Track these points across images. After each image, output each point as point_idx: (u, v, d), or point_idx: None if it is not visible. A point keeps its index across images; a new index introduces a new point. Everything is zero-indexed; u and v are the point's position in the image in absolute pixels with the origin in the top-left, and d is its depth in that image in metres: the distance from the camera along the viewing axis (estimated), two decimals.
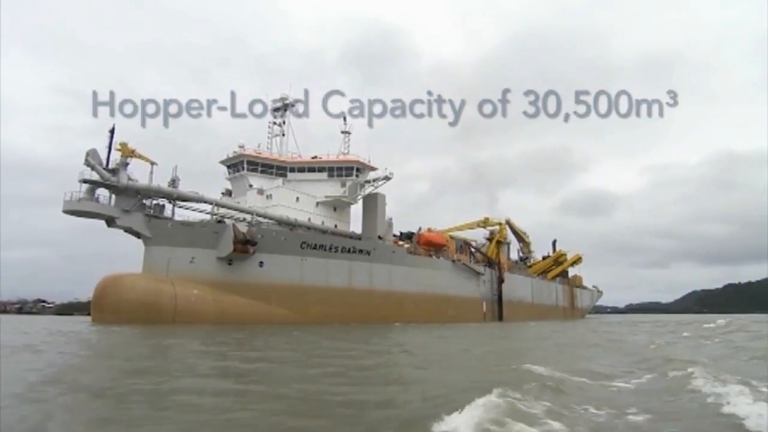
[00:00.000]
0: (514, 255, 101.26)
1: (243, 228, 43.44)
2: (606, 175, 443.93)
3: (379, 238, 53.92)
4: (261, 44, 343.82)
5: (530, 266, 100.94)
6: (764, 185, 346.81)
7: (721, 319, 49.95)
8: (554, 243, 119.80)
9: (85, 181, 39.01)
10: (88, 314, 41.61)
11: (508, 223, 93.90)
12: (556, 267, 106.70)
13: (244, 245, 42.29)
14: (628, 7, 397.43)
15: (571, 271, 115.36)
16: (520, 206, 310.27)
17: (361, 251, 50.50)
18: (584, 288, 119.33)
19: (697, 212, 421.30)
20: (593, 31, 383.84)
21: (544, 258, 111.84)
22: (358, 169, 54.59)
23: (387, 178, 55.08)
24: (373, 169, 56.28)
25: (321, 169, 54.33)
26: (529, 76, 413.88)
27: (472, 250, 76.16)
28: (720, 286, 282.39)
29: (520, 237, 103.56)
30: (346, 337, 23.37)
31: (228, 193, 54.83)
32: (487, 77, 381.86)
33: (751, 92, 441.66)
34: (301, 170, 54.16)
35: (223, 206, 45.90)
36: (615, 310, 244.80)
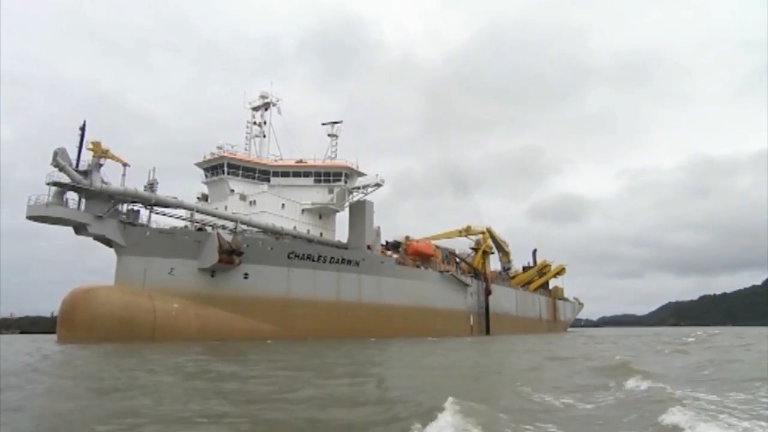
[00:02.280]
0: (493, 265, 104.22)
1: (227, 236, 43.41)
2: (580, 179, 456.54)
3: (368, 248, 54.81)
4: (209, 28, 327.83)
5: (513, 277, 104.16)
6: (739, 192, 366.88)
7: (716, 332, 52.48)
8: (534, 252, 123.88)
9: (54, 184, 38.05)
10: (22, 332, 39.99)
11: (489, 231, 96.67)
12: (539, 278, 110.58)
13: (230, 255, 42.25)
14: (607, 5, 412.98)
15: (552, 282, 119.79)
16: (489, 211, 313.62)
17: (349, 262, 51.24)
18: (566, 300, 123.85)
19: (672, 219, 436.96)
20: (570, 28, 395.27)
21: (525, 268, 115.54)
22: (346, 175, 55.44)
23: (378, 185, 56.14)
24: (361, 174, 57.24)
25: (307, 174, 54.84)
26: (502, 73, 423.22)
27: (457, 260, 78.14)
28: (695, 297, 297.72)
29: (500, 246, 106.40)
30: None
31: (204, 197, 54.45)
32: (458, 73, 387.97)
33: (729, 97, 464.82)
34: (286, 175, 54.48)
35: (205, 213, 45.64)
36: (588, 323, 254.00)
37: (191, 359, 21.87)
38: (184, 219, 46.49)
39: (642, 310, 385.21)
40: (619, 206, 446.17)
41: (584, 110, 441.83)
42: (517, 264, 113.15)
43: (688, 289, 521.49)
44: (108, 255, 42.60)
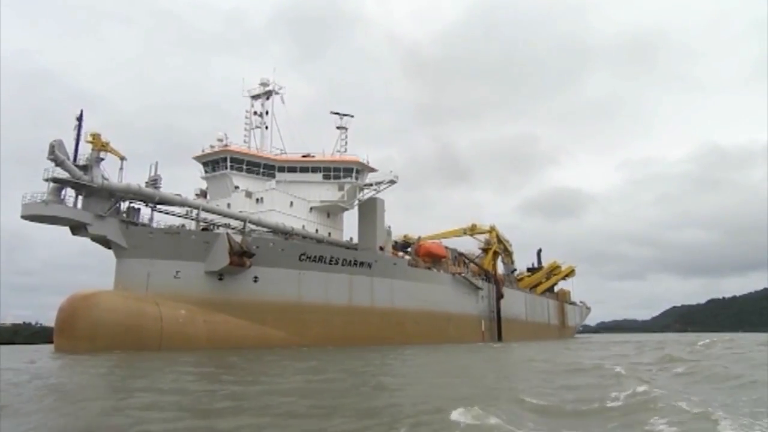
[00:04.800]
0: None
1: (236, 237, 43.86)
2: (577, 170, 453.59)
3: (381, 249, 55.72)
4: None
5: (520, 279, 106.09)
6: (752, 186, 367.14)
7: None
8: (539, 253, 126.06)
9: (54, 180, 38.06)
10: None
11: (493, 230, 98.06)
12: (546, 280, 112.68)
13: (241, 257, 42.70)
14: None
15: (557, 285, 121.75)
16: (476, 204, 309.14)
17: (362, 264, 52.04)
18: (573, 304, 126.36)
19: (677, 216, 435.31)
20: (568, 4, 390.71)
21: (530, 269, 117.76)
22: (357, 171, 56.16)
23: (392, 182, 56.99)
24: (372, 170, 58.01)
25: (315, 170, 55.41)
26: (494, 54, 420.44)
27: (466, 261, 79.39)
28: (702, 301, 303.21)
29: (503, 246, 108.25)
30: None
31: (203, 194, 54.70)
32: (449, 54, 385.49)
33: (742, 82, 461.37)
34: (292, 170, 54.98)
35: (213, 212, 45.93)
36: (586, 329, 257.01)
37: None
38: (181, 217, 46.73)
39: (643, 314, 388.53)
40: (620, 201, 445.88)
41: (584, 95, 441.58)
42: (519, 264, 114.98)
43: (694, 292, 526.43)
44: (43, 255, 42.36)
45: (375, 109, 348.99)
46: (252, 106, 60.11)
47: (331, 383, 17.29)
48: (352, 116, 58.92)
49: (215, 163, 53.33)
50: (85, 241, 41.92)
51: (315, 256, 48.19)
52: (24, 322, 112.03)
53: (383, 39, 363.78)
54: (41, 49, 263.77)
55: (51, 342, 75.75)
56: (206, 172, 54.23)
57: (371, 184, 57.60)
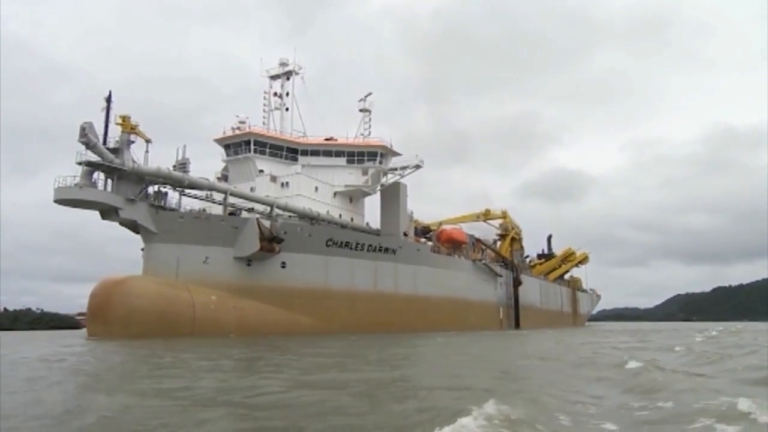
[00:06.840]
0: None
1: (265, 222, 44.56)
2: (579, 151, 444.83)
3: (405, 234, 56.56)
4: None
5: (533, 266, 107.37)
6: (761, 168, 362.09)
7: None
8: (549, 239, 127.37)
9: (88, 164, 38.51)
10: None
11: (506, 215, 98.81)
12: (559, 267, 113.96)
13: (270, 243, 43.48)
14: None
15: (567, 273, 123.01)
16: (472, 186, 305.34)
17: (386, 250, 52.94)
18: (584, 291, 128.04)
19: (682, 200, 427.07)
20: None
21: (540, 255, 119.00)
22: (382, 155, 56.71)
23: (417, 167, 57.61)
24: (396, 154, 58.56)
25: (339, 154, 55.97)
26: (498, 28, 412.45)
27: (483, 247, 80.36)
28: (707, 289, 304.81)
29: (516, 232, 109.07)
30: None
31: (224, 177, 55.21)
32: (448, 29, 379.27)
33: (757, 60, 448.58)
34: (315, 154, 55.48)
35: (240, 197, 46.49)
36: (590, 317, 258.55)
37: None
38: (203, 200, 47.22)
39: (645, 303, 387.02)
40: (623, 184, 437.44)
41: (590, 73, 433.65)
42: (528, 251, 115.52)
43: (698, 279, 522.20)
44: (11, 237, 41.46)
45: (370, 86, 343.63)
46: (271, 86, 60.37)
47: None
48: (371, 93, 59.45)
49: (237, 146, 53.70)
50: (54, 224, 42.00)
51: (341, 242, 48.99)
52: (5, 309, 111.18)
53: (380, 10, 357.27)
54: (9, 14, 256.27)
55: (57, 328, 77.15)
56: (228, 155, 54.62)
57: (395, 169, 58.19)
